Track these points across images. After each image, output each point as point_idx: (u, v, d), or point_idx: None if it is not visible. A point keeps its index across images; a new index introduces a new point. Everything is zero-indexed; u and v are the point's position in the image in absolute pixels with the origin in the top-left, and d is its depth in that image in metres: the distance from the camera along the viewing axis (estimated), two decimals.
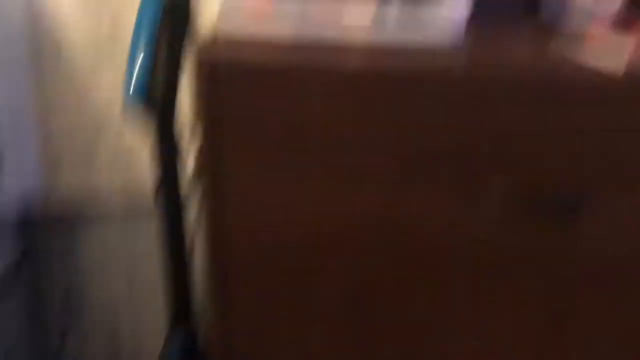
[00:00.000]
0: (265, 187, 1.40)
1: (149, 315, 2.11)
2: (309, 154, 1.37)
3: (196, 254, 1.82)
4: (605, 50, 1.38)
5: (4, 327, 1.97)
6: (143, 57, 1.51)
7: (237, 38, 1.40)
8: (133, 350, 2.12)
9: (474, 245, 1.40)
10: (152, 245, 1.96)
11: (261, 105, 1.35)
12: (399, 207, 1.39)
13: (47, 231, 2.11)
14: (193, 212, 1.86)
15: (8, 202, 1.99)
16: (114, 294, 2.11)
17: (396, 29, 1.42)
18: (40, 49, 1.99)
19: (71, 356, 2.16)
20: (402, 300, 1.46)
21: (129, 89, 1.51)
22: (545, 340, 1.47)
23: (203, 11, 1.52)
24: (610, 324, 1.45)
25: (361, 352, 1.50)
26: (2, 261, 1.97)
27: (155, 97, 1.52)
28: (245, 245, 1.48)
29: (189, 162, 1.57)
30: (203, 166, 1.40)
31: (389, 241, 1.41)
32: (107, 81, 2.01)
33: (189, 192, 1.67)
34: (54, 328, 2.12)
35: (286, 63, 1.34)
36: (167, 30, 1.51)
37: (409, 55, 1.35)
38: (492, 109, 1.33)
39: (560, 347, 1.47)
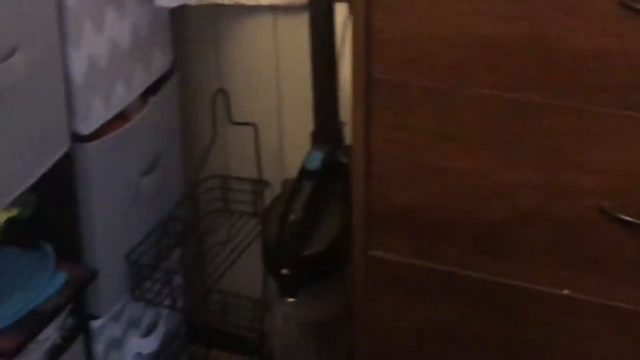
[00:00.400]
0: None
1: (292, 127, 2.14)
2: None
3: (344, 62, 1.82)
4: None
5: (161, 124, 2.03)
6: None
7: None
8: (274, 158, 2.17)
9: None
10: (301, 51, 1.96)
11: None
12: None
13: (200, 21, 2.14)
14: (342, 14, 1.85)
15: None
16: (262, 98, 2.14)
17: None
18: None
19: (219, 161, 2.22)
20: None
21: None
22: None
23: None
24: None
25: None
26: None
27: None
28: (390, 40, 1.48)
29: None
30: None
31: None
32: None
33: None
34: (204, 129, 2.18)
35: None
36: None
37: None
38: None
39: None
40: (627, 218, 1.45)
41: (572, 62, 1.38)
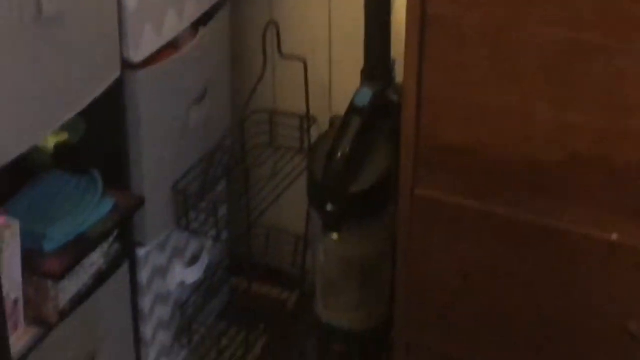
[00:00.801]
0: None
1: (343, 63, 2.12)
2: None
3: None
4: None
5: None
6: None
7: None
8: (323, 93, 2.16)
9: None
10: None
11: None
12: None
13: None
14: None
15: None
16: (313, 32, 2.13)
17: None
18: None
19: (268, 95, 2.22)
20: None
21: None
22: None
23: None
24: None
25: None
26: None
27: None
28: None
29: None
30: None
31: None
32: None
33: None
34: (254, 62, 2.17)
35: None
36: None
37: None
38: None
39: None
40: None
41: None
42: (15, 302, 1.65)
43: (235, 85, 2.19)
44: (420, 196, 1.64)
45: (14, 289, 1.63)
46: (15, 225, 1.61)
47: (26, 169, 1.79)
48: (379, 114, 1.88)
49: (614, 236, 1.52)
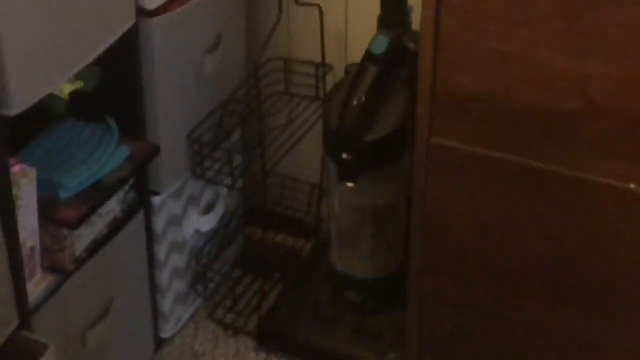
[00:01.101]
0: None
1: (359, 10, 2.10)
2: None
3: None
4: None
5: None
6: None
7: None
8: (339, 41, 2.14)
9: None
10: None
11: None
12: None
13: None
14: None
15: None
16: None
17: None
18: None
19: (283, 42, 2.20)
20: None
21: None
22: None
23: None
24: None
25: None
26: None
27: None
28: None
29: None
30: None
31: None
32: None
33: None
34: (269, 9, 2.16)
35: None
36: None
37: None
38: None
39: None
40: None
41: None
42: (32, 249, 1.66)
43: (250, 33, 2.18)
44: (436, 145, 1.63)
45: (30, 236, 1.65)
46: (32, 173, 1.62)
47: (41, 117, 1.79)
48: (395, 61, 1.88)
49: (632, 185, 1.52)
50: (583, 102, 1.49)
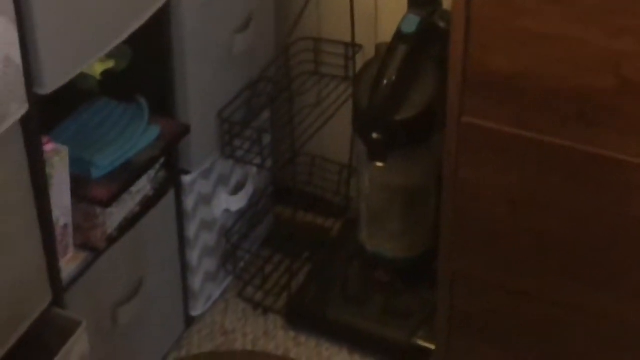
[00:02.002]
0: None
1: None
2: None
3: None
4: None
5: None
6: None
7: None
8: (369, 20, 2.14)
9: None
10: None
11: None
12: None
13: None
14: None
15: None
16: None
17: None
18: None
19: (312, 22, 2.20)
20: None
21: None
22: None
23: None
24: None
25: None
26: None
27: None
28: None
29: None
30: None
31: None
32: None
33: None
34: None
35: None
36: None
37: None
38: None
39: None
40: None
41: None
42: (65, 227, 1.68)
43: (279, 12, 2.18)
44: (467, 124, 1.63)
45: (63, 214, 1.66)
46: (65, 152, 1.63)
47: (73, 96, 1.80)
48: (425, 40, 1.87)
49: None
50: (614, 81, 1.48)
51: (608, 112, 1.51)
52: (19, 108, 1.46)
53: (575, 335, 1.74)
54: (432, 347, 1.96)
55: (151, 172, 1.87)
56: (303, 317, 2.15)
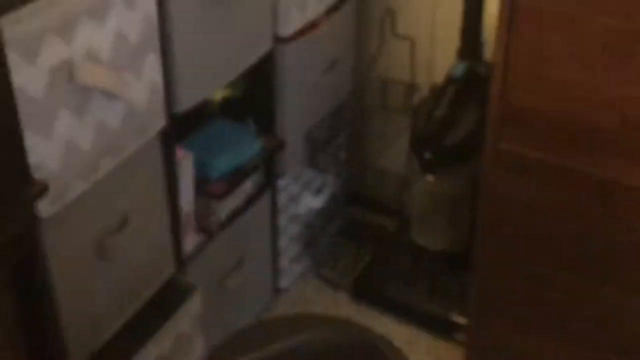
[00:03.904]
0: None
1: (442, 42, 2.09)
2: None
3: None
4: None
5: None
6: None
7: None
8: (426, 66, 2.13)
9: None
10: None
11: None
12: None
13: None
14: None
15: None
16: (420, 17, 2.10)
17: None
18: None
19: (381, 66, 2.20)
20: None
21: None
22: None
23: None
24: None
25: None
26: None
27: None
28: None
29: None
30: None
31: None
32: None
33: None
34: (373, 40, 2.16)
35: None
36: None
37: None
38: None
39: None
40: None
41: None
42: (188, 215, 1.70)
43: (357, 57, 2.18)
44: (501, 149, 1.62)
45: (187, 204, 1.69)
46: (190, 157, 1.66)
47: (199, 115, 1.83)
48: (469, 84, 1.87)
49: None
50: (618, 119, 1.47)
51: (612, 143, 1.49)
52: (159, 122, 1.50)
53: (578, 317, 1.72)
54: (464, 322, 1.95)
55: (254, 176, 1.89)
56: (365, 293, 2.14)
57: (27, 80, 1.20)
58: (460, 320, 2.00)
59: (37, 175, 1.23)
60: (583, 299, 1.68)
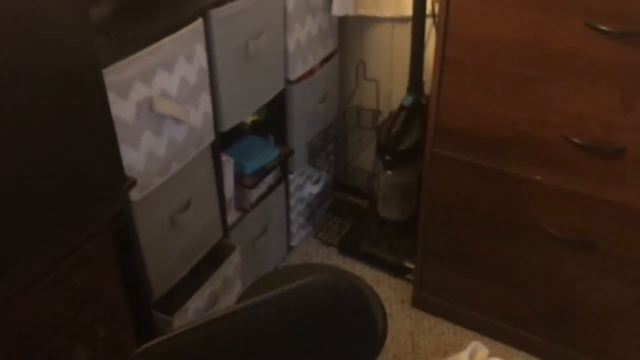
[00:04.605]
0: None
1: (397, 83, 2.07)
2: None
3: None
4: None
5: None
6: None
7: None
8: (386, 98, 2.11)
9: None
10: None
11: None
12: None
13: (352, 24, 2.07)
14: (429, 23, 1.77)
15: None
16: (381, 67, 2.08)
17: None
18: None
19: (357, 99, 2.19)
20: None
21: None
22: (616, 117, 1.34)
23: None
24: None
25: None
26: None
27: None
28: (457, 36, 1.40)
29: None
30: None
31: None
32: None
33: None
34: (350, 82, 2.15)
35: None
36: None
37: None
38: None
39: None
40: (577, 141, 1.39)
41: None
42: (230, 199, 1.70)
43: (340, 93, 2.17)
44: (436, 153, 1.62)
45: (229, 192, 1.68)
46: (231, 160, 1.65)
47: (237, 133, 1.83)
48: (415, 110, 1.86)
49: (538, 177, 1.49)
50: (513, 133, 1.47)
51: (511, 149, 1.49)
52: (210, 137, 1.49)
53: (493, 264, 1.70)
54: (413, 266, 1.94)
55: (274, 172, 1.88)
56: (347, 249, 2.14)
57: (122, 110, 1.20)
58: (410, 265, 1.99)
59: (129, 173, 1.23)
60: (495, 252, 1.68)
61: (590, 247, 1.49)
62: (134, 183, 1.18)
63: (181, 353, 0.72)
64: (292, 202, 2.05)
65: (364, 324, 0.83)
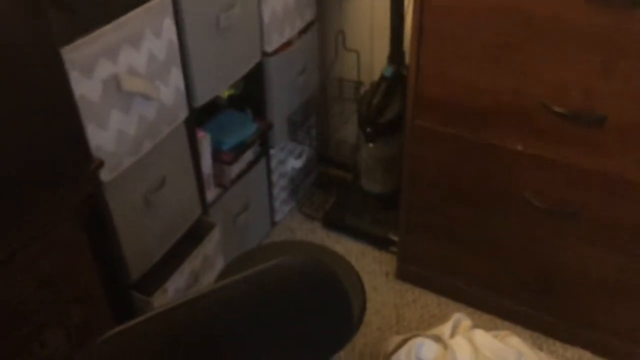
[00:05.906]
0: None
1: (378, 52, 2.04)
2: None
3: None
4: None
5: None
6: None
7: None
8: (368, 69, 2.09)
9: None
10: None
11: None
12: None
13: None
14: None
15: None
16: (362, 36, 2.05)
17: None
18: None
19: (338, 70, 2.15)
20: None
21: None
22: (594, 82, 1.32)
23: None
24: None
25: None
26: None
27: None
28: (437, 7, 1.37)
29: None
30: None
31: None
32: None
33: None
34: (331, 52, 2.12)
35: None
36: None
37: None
38: None
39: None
40: (558, 110, 1.37)
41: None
42: (208, 175, 1.68)
43: (321, 64, 2.14)
44: (416, 125, 1.60)
45: (207, 168, 1.67)
46: (207, 136, 1.63)
47: (213, 107, 1.80)
48: (396, 80, 1.84)
49: (519, 147, 1.48)
50: (495, 103, 1.45)
51: (492, 120, 1.48)
52: (184, 113, 1.46)
53: (472, 235, 1.71)
54: (396, 238, 1.95)
55: (253, 147, 1.87)
56: (332, 223, 2.14)
57: (87, 90, 1.16)
58: (394, 237, 2.00)
59: (99, 154, 1.20)
60: (478, 223, 1.68)
61: (572, 216, 1.49)
62: (101, 163, 1.16)
63: (144, 341, 0.71)
64: (274, 177, 2.03)
65: (336, 305, 0.82)
